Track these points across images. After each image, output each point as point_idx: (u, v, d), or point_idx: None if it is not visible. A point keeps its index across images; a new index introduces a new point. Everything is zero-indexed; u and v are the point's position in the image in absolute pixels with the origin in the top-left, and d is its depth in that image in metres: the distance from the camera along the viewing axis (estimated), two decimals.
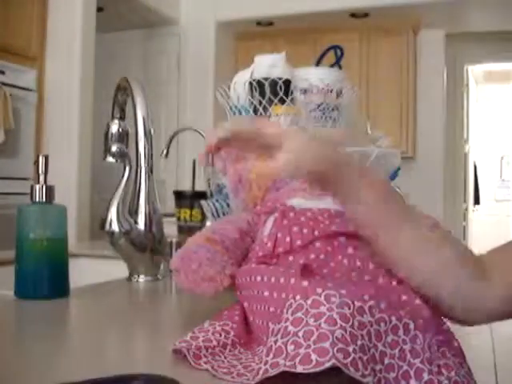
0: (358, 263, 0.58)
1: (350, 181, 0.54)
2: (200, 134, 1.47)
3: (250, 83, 0.99)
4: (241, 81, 1.01)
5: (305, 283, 0.49)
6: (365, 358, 0.44)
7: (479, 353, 0.75)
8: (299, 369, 0.42)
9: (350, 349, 0.43)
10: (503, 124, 7.59)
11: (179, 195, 1.17)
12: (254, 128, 0.56)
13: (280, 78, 0.97)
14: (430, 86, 4.54)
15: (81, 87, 3.36)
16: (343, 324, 0.44)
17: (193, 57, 4.45)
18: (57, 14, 3.39)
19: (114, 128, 1.05)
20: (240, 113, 1.00)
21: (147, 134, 1.02)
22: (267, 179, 0.70)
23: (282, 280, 0.54)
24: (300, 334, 0.44)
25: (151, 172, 1.03)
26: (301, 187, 0.68)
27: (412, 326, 0.48)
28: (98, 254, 1.33)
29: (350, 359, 0.42)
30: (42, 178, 0.82)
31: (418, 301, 0.51)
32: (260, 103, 0.97)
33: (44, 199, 0.81)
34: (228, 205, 0.92)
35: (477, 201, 6.50)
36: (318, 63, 1.14)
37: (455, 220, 5.29)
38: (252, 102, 0.99)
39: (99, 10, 3.67)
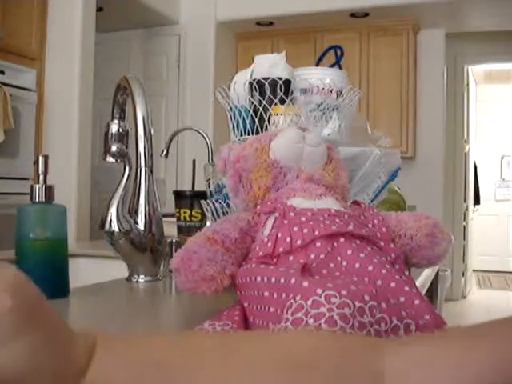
0: (358, 264, 0.58)
1: None
2: (200, 133, 1.47)
3: (250, 83, 0.99)
4: (241, 81, 1.01)
5: (305, 283, 0.49)
6: None
7: None
8: None
9: None
10: (503, 124, 7.59)
11: (179, 195, 1.17)
12: None
13: (280, 78, 0.96)
14: (430, 86, 4.54)
15: (81, 87, 3.35)
16: (343, 325, 0.44)
17: (193, 56, 4.45)
18: (57, 13, 3.39)
19: (114, 128, 1.05)
20: (240, 113, 1.00)
21: (147, 133, 1.02)
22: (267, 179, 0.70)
23: (282, 280, 0.54)
24: None
25: (151, 172, 1.03)
26: (301, 187, 0.68)
27: (413, 326, 0.48)
28: (97, 254, 1.33)
29: None
30: (41, 178, 0.82)
31: (417, 301, 0.51)
32: (260, 103, 0.97)
33: (44, 199, 0.81)
34: (228, 205, 0.92)
35: (477, 201, 6.50)
36: (317, 63, 1.14)
37: (455, 220, 5.30)
38: (252, 102, 0.99)
39: (99, 9, 3.67)
